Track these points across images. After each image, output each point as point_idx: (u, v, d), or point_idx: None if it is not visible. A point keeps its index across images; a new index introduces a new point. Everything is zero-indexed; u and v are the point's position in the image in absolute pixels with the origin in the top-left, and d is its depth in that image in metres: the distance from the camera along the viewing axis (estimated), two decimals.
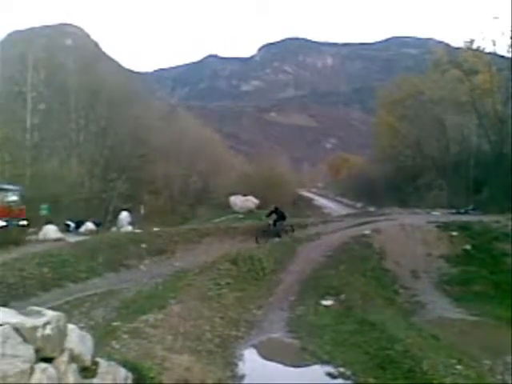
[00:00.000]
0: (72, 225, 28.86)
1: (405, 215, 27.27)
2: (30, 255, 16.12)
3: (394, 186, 47.05)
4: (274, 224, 21.27)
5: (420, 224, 21.04)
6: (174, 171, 46.29)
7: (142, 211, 36.74)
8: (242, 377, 7.77)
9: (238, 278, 13.67)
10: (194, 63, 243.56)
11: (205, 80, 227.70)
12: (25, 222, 23.81)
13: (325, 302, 12.13)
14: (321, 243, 18.72)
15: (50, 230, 23.28)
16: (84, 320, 10.47)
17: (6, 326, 3.72)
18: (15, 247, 19.14)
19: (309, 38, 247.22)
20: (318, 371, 8.03)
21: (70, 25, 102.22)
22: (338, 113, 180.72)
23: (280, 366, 8.82)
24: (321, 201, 59.22)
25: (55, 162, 37.10)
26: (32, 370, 3.79)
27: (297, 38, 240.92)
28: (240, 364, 8.33)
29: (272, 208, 22.46)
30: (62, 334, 4.45)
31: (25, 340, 3.81)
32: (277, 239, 20.17)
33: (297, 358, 8.72)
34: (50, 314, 4.46)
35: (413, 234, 19.63)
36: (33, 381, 3.77)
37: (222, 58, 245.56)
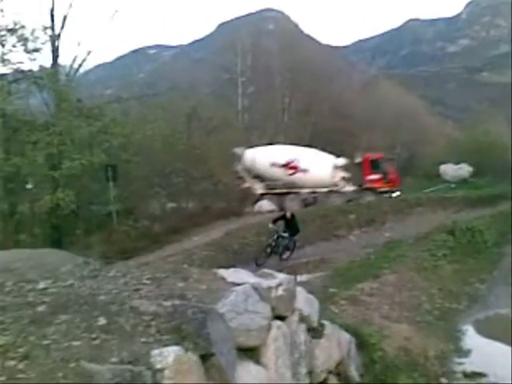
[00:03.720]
0: None
1: None
2: (248, 225, 17.67)
3: None
4: (280, 236, 14.23)
5: None
6: (376, 143, 45.25)
7: None
8: (468, 352, 7.23)
9: (455, 249, 12.83)
10: (393, 30, 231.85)
11: (406, 46, 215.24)
12: (398, 193, 26.07)
13: None
14: None
15: (264, 203, 25.09)
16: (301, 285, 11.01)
17: (246, 285, 4.04)
18: (236, 218, 21.16)
19: None
20: None
21: (271, 10, 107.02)
22: None
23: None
24: None
25: (265, 141, 39.58)
26: (269, 326, 4.05)
27: None
28: (464, 338, 7.77)
29: (282, 213, 15.27)
30: (291, 295, 4.69)
31: (262, 298, 4.08)
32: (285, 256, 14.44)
33: None
34: (281, 276, 4.73)
35: None
36: (270, 336, 4.03)
37: (424, 21, 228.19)
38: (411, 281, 10.20)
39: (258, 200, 25.35)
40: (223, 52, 46.62)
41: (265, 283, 4.32)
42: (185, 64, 63.64)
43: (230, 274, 4.49)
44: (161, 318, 3.25)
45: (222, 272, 4.58)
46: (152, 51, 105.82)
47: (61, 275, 4.37)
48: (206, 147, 24.35)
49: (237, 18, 73.23)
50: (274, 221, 14.49)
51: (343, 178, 24.78)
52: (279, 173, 25.20)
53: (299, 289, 5.02)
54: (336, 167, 24.67)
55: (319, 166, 24.58)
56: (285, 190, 25.20)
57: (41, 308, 3.38)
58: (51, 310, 3.35)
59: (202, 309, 3.28)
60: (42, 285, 4.03)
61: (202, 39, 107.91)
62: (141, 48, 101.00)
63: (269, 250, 13.90)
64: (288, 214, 14.44)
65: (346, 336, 5.72)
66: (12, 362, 2.59)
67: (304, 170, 24.65)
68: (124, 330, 3.07)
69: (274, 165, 25.14)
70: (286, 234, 13.95)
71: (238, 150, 25.68)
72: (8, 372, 2.49)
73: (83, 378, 2.43)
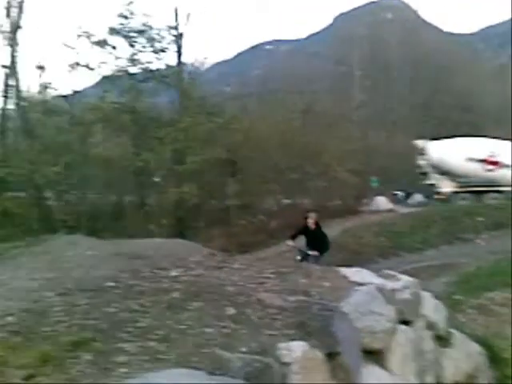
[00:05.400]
0: (401, 194, 29.47)
1: None
2: (366, 225, 17.27)
3: None
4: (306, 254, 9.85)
5: None
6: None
7: None
8: None
9: None
10: None
11: None
12: None
13: None
14: None
15: (381, 201, 24.38)
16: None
17: (370, 286, 3.96)
18: (352, 217, 20.82)
19: None
20: None
21: None
22: None
23: None
24: None
25: (382, 135, 38.46)
26: (394, 329, 3.92)
27: None
28: None
29: (303, 225, 10.25)
30: (417, 299, 4.49)
31: (386, 300, 3.96)
32: None
33: None
34: (406, 278, 4.55)
35: None
36: (396, 340, 3.89)
37: None
38: None
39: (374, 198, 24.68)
40: (339, 45, 46.10)
41: (389, 285, 4.19)
42: (301, 58, 63.80)
43: (353, 273, 4.42)
44: (286, 312, 3.30)
45: (345, 270, 4.53)
46: (269, 47, 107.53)
47: (190, 264, 4.63)
48: (322, 143, 24.23)
49: (354, 9, 71.77)
50: (293, 236, 10.29)
51: None
52: (476, 169, 23.38)
53: (425, 293, 4.79)
54: None
55: None
56: (482, 188, 23.25)
57: (175, 294, 3.62)
58: (184, 296, 3.56)
59: (327, 306, 3.28)
60: (173, 273, 4.30)
61: (318, 32, 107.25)
62: (258, 44, 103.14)
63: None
64: (311, 224, 9.94)
65: (476, 347, 5.33)
66: (152, 343, 2.80)
67: (507, 166, 22.76)
68: (251, 321, 3.17)
69: (470, 159, 23.25)
70: (313, 252, 9.58)
71: (419, 143, 24.52)
72: (149, 352, 2.70)
73: (216, 364, 2.55)
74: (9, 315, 3.29)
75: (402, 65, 42.34)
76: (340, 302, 3.53)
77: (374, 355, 3.68)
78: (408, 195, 29.32)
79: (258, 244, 16.77)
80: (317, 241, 9.71)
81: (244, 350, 2.74)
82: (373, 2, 77.51)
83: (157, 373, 2.35)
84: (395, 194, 29.48)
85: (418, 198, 28.47)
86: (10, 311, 3.36)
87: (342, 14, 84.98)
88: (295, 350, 2.75)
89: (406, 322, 4.21)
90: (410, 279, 4.60)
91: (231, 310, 3.29)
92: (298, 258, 9.69)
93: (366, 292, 3.82)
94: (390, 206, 23.87)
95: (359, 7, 73.97)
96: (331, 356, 3.00)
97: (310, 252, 9.61)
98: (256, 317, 3.24)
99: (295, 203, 23.98)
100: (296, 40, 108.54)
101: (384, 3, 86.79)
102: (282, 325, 3.14)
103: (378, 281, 4.26)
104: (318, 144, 23.85)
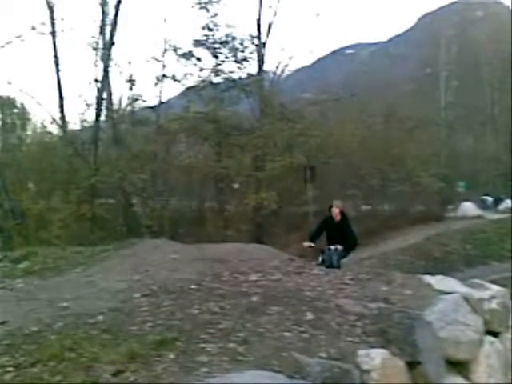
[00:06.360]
0: (489, 200, 27.82)
1: None
2: (451, 231, 16.46)
3: None
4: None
5: None
6: None
7: None
8: None
9: None
10: None
11: None
12: None
13: None
14: None
15: (468, 207, 23.17)
16: None
17: (456, 295, 3.80)
18: (436, 223, 19.95)
19: None
20: None
21: None
22: None
23: None
24: None
25: (470, 138, 36.55)
26: (481, 341, 3.73)
27: None
28: None
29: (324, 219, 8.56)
30: (506, 309, 4.23)
31: (473, 310, 3.78)
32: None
33: None
34: (495, 288, 4.31)
35: None
36: (482, 352, 3.71)
37: None
38: None
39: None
40: (424, 46, 44.34)
41: (476, 294, 3.99)
42: (383, 61, 62.32)
43: (437, 282, 4.25)
44: (366, 319, 3.26)
45: (428, 278, 4.37)
46: (350, 51, 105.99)
47: (269, 269, 4.70)
48: (405, 147, 23.46)
49: (440, 8, 68.83)
50: (314, 234, 8.40)
51: None
52: None
53: None
54: None
55: None
56: None
57: (254, 298, 3.69)
58: (263, 300, 3.63)
59: (408, 314, 3.19)
60: (253, 277, 4.39)
61: (402, 34, 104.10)
62: (339, 49, 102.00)
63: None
64: (335, 214, 8.02)
65: None
66: (232, 345, 2.88)
67: None
68: (330, 326, 3.16)
69: None
70: (336, 247, 7.64)
71: None
72: (229, 353, 2.78)
73: (295, 368, 2.57)
74: (100, 314, 3.53)
75: (492, 64, 39.94)
76: (423, 311, 3.43)
77: (458, 366, 3.53)
78: (497, 201, 27.54)
79: None
80: (342, 236, 7.76)
81: (323, 355, 2.75)
82: (459, 1, 74.10)
83: (239, 373, 2.41)
84: (484, 200, 27.82)
85: (508, 203, 26.64)
86: (100, 310, 3.62)
87: (427, 14, 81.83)
88: (375, 357, 2.71)
89: (493, 333, 4.00)
90: (500, 289, 4.35)
91: (310, 315, 3.30)
92: (320, 259, 7.77)
93: (450, 301, 3.68)
94: (477, 212, 22.60)
95: (446, 6, 70.92)
96: (412, 365, 2.92)
97: (332, 246, 7.68)
98: (335, 323, 3.22)
99: (375, 209, 23.41)
100: (377, 43, 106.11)
101: (473, 1, 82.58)
102: (362, 332, 3.11)
103: (463, 290, 4.07)
104: (401, 148, 23.13)
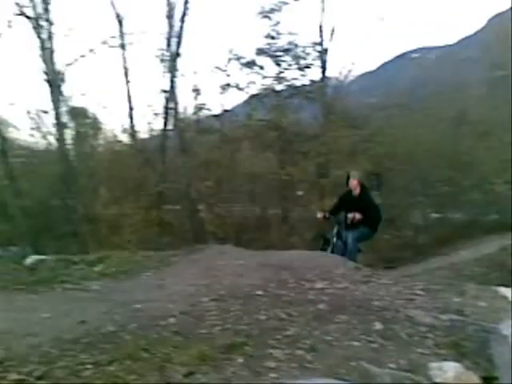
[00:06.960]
0: None
1: None
2: None
3: None
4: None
5: None
6: None
7: None
8: None
9: None
10: None
11: None
12: None
13: None
14: None
15: None
16: None
17: None
18: (511, 233, 18.84)
19: None
20: None
21: None
22: None
23: None
24: None
25: None
26: None
27: None
28: None
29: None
30: None
31: None
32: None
33: None
34: None
35: None
36: None
37: None
38: None
39: None
40: (495, 47, 42.30)
41: None
42: (451, 65, 60.08)
43: None
44: (437, 330, 3.16)
45: (504, 290, 4.16)
46: (416, 55, 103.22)
47: (335, 277, 4.66)
48: (476, 153, 22.38)
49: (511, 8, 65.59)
50: (333, 208, 7.61)
51: None
52: None
53: None
54: None
55: None
56: None
57: (321, 306, 3.68)
58: (330, 308, 3.61)
59: (483, 327, 3.06)
60: (319, 285, 4.37)
61: (470, 36, 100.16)
62: (404, 53, 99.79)
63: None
64: (353, 186, 7.16)
65: None
66: (300, 352, 2.89)
67: None
68: (400, 337, 3.09)
69: None
70: (355, 215, 6.79)
71: None
72: (296, 360, 2.79)
73: (364, 378, 2.54)
74: (171, 316, 3.66)
75: None
76: (498, 324, 3.26)
77: None
78: None
79: (404, 260, 16.03)
80: (363, 211, 6.69)
81: (393, 366, 2.69)
82: None
83: (307, 380, 2.41)
84: None
85: None
86: (171, 313, 3.75)
87: (497, 15, 78.38)
88: (448, 370, 2.61)
89: None
90: None
91: (378, 325, 3.25)
92: (322, 243, 6.91)
93: None
94: None
95: None
96: (487, 380, 2.79)
97: (350, 214, 6.68)
98: (405, 333, 3.15)
99: (445, 217, 22.48)
100: (444, 46, 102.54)
101: None
102: (434, 343, 3.02)
103: None
104: (473, 154, 22.08)
